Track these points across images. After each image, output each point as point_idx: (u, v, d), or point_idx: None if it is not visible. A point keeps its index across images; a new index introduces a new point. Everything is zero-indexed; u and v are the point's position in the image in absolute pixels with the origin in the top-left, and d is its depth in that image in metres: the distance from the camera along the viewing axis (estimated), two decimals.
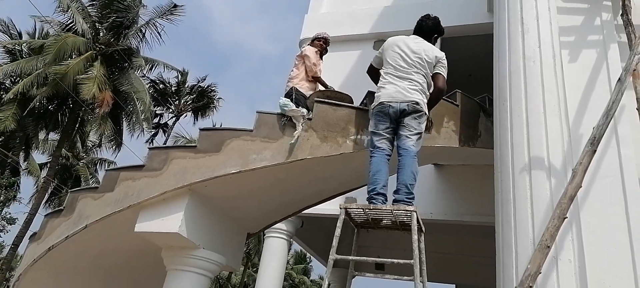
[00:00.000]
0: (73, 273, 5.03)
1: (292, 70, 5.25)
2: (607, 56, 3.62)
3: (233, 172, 4.07)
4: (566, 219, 2.71)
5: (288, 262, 30.24)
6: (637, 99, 3.29)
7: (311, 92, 5.08)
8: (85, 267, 5.02)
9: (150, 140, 23.35)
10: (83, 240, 4.46)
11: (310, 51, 5.27)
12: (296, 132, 4.07)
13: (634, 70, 3.17)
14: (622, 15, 3.78)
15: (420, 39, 3.80)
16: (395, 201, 3.24)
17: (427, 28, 3.90)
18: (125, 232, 4.24)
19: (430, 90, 3.70)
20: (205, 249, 4.31)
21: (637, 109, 3.26)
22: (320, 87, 5.27)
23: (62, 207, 4.75)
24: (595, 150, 2.80)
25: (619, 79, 3.04)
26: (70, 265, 4.91)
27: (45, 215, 5.03)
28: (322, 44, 5.43)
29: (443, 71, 3.70)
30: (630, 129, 3.31)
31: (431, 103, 3.72)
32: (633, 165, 3.19)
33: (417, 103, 3.49)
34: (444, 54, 3.75)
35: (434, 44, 3.87)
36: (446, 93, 4.42)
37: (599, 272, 2.83)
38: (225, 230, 4.74)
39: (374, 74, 3.95)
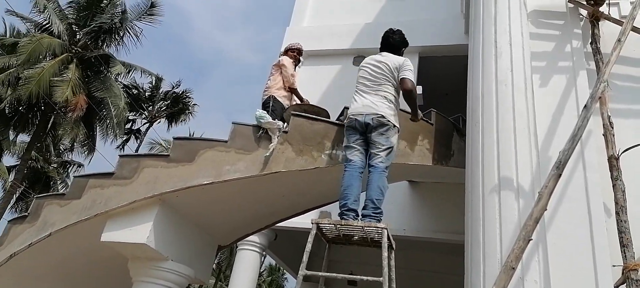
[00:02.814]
0: (36, 281, 4.86)
1: (269, 79, 5.24)
2: (576, 82, 3.73)
3: (206, 183, 4.01)
4: (532, 241, 2.75)
5: (261, 275, 29.92)
6: (603, 124, 3.39)
7: (288, 102, 5.08)
8: (49, 275, 4.85)
9: (121, 147, 22.83)
10: (47, 247, 4.32)
11: (287, 61, 5.28)
12: (271, 144, 4.06)
13: (600, 97, 3.27)
14: (591, 43, 3.91)
15: (386, 53, 3.88)
16: (363, 216, 3.26)
17: (394, 42, 3.98)
18: (91, 240, 4.13)
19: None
20: (174, 261, 4.22)
21: (603, 135, 3.36)
22: (295, 99, 5.27)
23: (26, 213, 4.60)
24: (560, 174, 2.86)
25: (585, 105, 3.13)
26: (33, 273, 4.75)
27: (8, 221, 4.87)
28: (296, 55, 5.46)
29: (409, 74, 3.69)
30: (596, 154, 3.40)
31: (410, 106, 3.84)
32: (598, 189, 3.27)
33: (383, 116, 3.52)
34: (407, 59, 3.80)
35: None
36: (423, 108, 4.50)
37: None
38: (196, 241, 4.66)
39: None
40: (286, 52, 5.48)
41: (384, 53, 3.90)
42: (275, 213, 5.13)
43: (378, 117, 3.51)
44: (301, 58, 5.62)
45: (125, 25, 16.55)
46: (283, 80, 5.18)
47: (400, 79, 3.69)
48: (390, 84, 3.69)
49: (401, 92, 3.74)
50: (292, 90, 5.22)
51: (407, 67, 3.73)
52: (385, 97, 3.62)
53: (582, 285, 2.98)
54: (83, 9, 15.74)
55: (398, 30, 4.06)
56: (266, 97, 5.05)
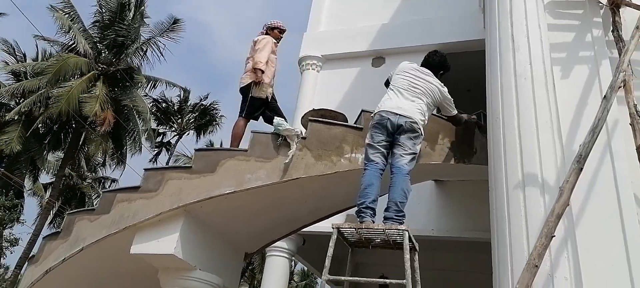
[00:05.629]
0: None
1: (247, 63, 5.09)
2: (598, 72, 3.61)
3: (228, 192, 4.08)
4: (560, 237, 2.69)
5: (293, 279, 30.02)
6: (629, 113, 3.28)
7: (267, 82, 4.95)
8: None
9: (153, 159, 23.48)
10: (80, 262, 4.45)
11: (264, 40, 5.07)
12: (290, 151, 4.09)
13: (624, 85, 3.16)
14: (612, 31, 3.78)
15: (431, 73, 3.88)
16: (385, 219, 3.25)
17: (434, 63, 3.99)
18: (121, 253, 4.24)
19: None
20: (202, 270, 4.30)
21: (630, 124, 3.25)
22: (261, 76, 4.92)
23: (59, 230, 4.76)
24: (581, 168, 2.78)
25: (605, 96, 3.03)
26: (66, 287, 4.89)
27: (43, 237, 5.04)
28: (277, 34, 5.30)
29: (453, 110, 4.02)
30: (624, 144, 3.29)
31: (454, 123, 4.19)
32: (628, 180, 3.16)
33: (415, 122, 3.54)
34: (446, 89, 3.90)
35: (439, 80, 3.96)
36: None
37: None
38: (222, 250, 4.73)
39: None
40: (270, 31, 5.28)
41: (429, 72, 3.89)
42: (298, 219, 5.16)
43: (411, 122, 3.53)
44: (282, 36, 5.38)
45: (142, 38, 16.96)
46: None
47: (454, 116, 4.06)
48: (424, 101, 3.73)
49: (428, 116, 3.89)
50: (256, 70, 4.86)
51: (450, 100, 3.96)
52: (420, 108, 3.66)
53: (615, 279, 2.88)
54: (106, 27, 16.21)
55: (441, 53, 4.13)
56: (244, 84, 4.91)
